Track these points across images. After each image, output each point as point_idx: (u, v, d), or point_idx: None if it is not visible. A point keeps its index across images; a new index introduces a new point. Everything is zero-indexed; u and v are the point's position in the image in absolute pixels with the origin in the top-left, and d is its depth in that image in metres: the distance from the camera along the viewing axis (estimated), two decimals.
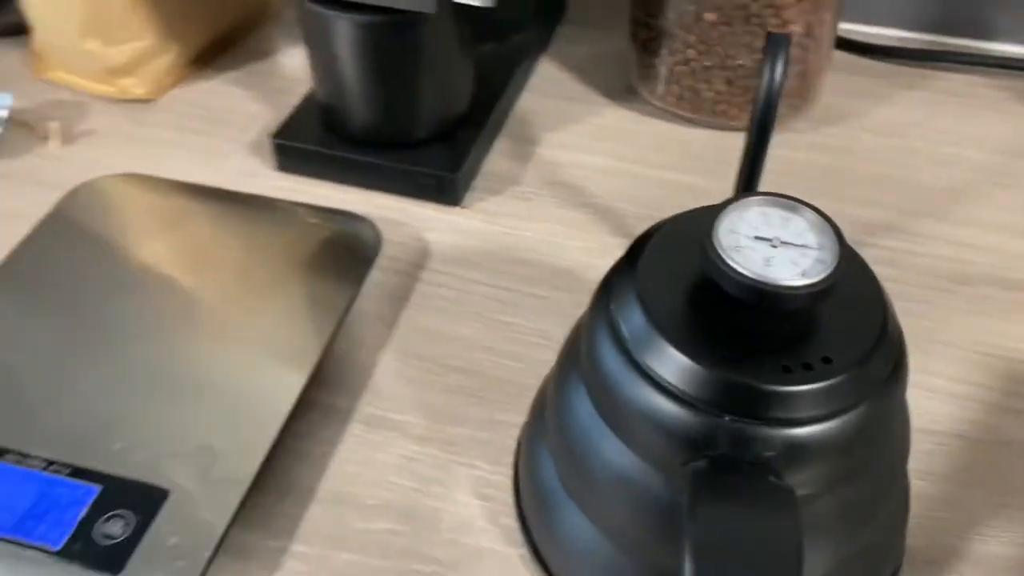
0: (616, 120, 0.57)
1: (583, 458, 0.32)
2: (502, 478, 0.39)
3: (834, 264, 0.27)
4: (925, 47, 0.62)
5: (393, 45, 0.47)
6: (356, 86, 0.50)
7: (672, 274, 0.30)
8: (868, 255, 0.49)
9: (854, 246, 0.48)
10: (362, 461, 0.39)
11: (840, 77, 0.60)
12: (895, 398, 0.29)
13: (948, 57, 0.61)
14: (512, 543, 0.37)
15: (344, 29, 0.47)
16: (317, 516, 0.38)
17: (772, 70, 0.37)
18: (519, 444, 0.39)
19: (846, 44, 0.60)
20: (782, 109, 0.54)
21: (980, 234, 0.50)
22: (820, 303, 0.28)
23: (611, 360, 0.29)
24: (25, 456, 0.37)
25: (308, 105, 0.55)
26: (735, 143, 0.55)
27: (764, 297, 0.27)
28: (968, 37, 0.63)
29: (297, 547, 0.37)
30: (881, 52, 0.61)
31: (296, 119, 0.54)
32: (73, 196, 0.49)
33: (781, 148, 0.55)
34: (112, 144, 0.56)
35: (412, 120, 0.51)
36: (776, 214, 0.29)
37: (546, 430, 0.35)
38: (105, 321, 0.42)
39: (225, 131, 0.57)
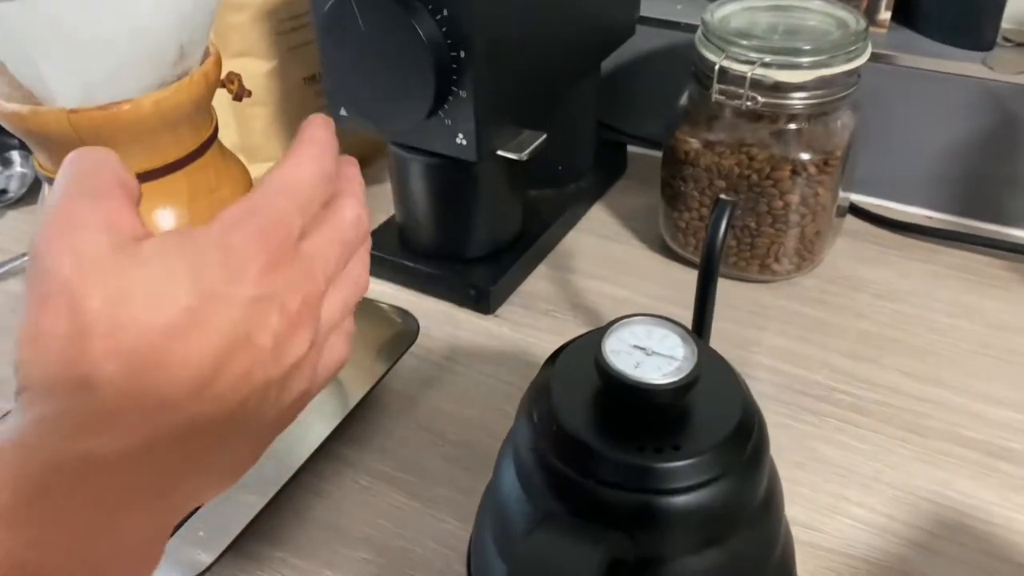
0: (644, 261, 0.67)
1: (505, 513, 0.40)
2: (465, 533, 0.47)
3: (688, 371, 0.35)
4: (943, 226, 0.67)
5: (449, 181, 0.60)
6: (420, 211, 0.63)
7: (577, 378, 0.38)
8: (838, 399, 0.55)
9: (828, 391, 0.54)
10: (358, 503, 0.49)
11: (856, 243, 0.67)
12: (750, 482, 0.36)
13: (958, 236, 0.66)
14: None
15: (414, 166, 0.60)
16: (310, 538, 0.47)
17: (716, 227, 0.45)
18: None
19: (863, 214, 0.67)
20: (788, 264, 0.62)
21: (947, 395, 0.54)
22: (678, 400, 0.35)
23: (523, 436, 0.38)
24: None
25: (389, 223, 0.68)
26: (737, 290, 0.63)
27: (626, 390, 0.35)
28: (983, 220, 0.68)
29: (294, 559, 0.46)
30: (895, 225, 0.67)
31: (378, 233, 0.67)
32: None
33: (783, 299, 0.62)
34: None
35: (464, 241, 0.63)
36: (658, 332, 0.37)
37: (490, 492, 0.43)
38: None
39: None
